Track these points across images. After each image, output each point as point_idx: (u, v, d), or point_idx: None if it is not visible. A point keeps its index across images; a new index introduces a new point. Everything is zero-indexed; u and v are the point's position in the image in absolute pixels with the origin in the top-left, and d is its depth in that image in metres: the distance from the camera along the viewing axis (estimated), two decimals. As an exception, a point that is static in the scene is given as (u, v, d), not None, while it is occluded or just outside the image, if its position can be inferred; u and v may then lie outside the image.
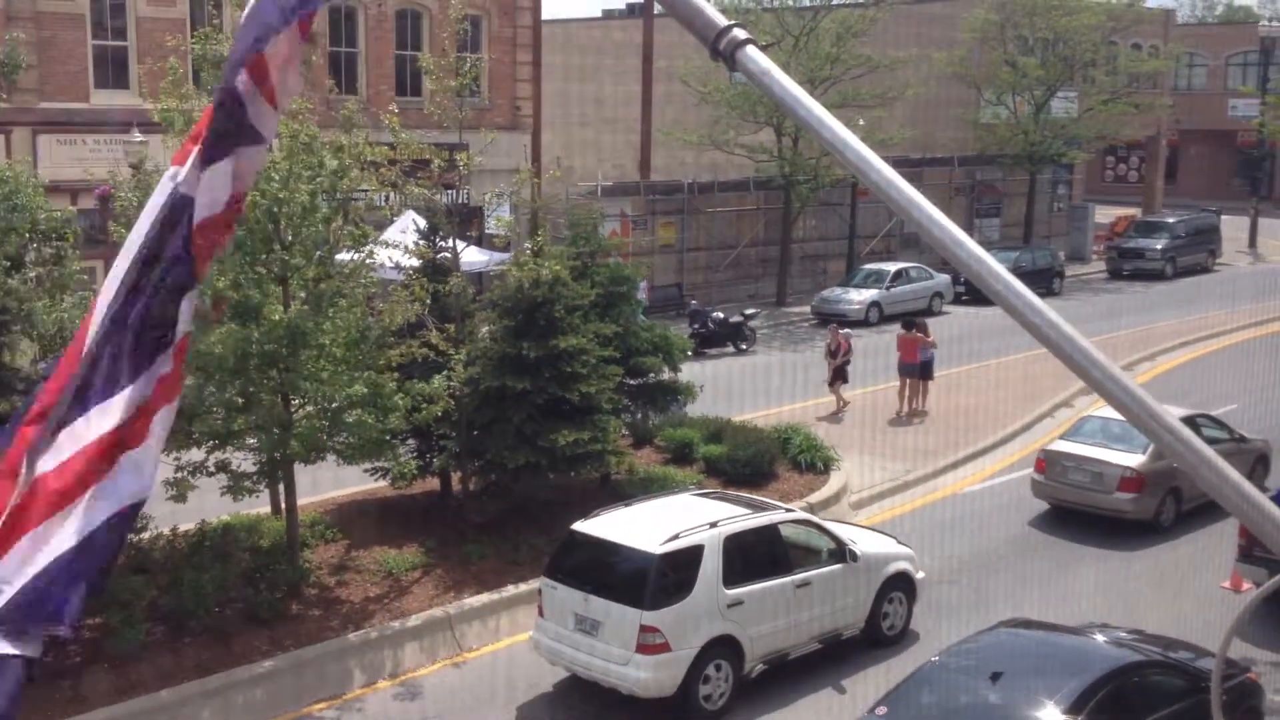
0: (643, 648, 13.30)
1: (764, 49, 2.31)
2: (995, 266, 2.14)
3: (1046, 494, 20.45)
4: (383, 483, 18.82)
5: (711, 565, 13.79)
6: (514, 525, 18.12)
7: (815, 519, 16.33)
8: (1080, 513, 19.81)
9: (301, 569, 16.45)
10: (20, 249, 16.29)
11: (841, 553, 15.18)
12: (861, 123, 37.70)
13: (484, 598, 16.54)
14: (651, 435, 22.34)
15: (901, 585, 15.84)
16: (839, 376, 26.06)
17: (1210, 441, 19.90)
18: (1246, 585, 16.47)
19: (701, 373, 25.29)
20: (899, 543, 16.54)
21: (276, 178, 15.06)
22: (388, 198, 17.69)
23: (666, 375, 21.75)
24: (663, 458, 21.73)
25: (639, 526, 14.26)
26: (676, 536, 13.79)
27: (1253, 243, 52.64)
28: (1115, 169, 70.05)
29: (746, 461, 20.42)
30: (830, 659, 15.08)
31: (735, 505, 15.30)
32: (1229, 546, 16.83)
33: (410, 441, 18.47)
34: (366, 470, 18.12)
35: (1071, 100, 48.47)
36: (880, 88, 39.26)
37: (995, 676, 11.71)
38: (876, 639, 15.56)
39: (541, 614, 14.44)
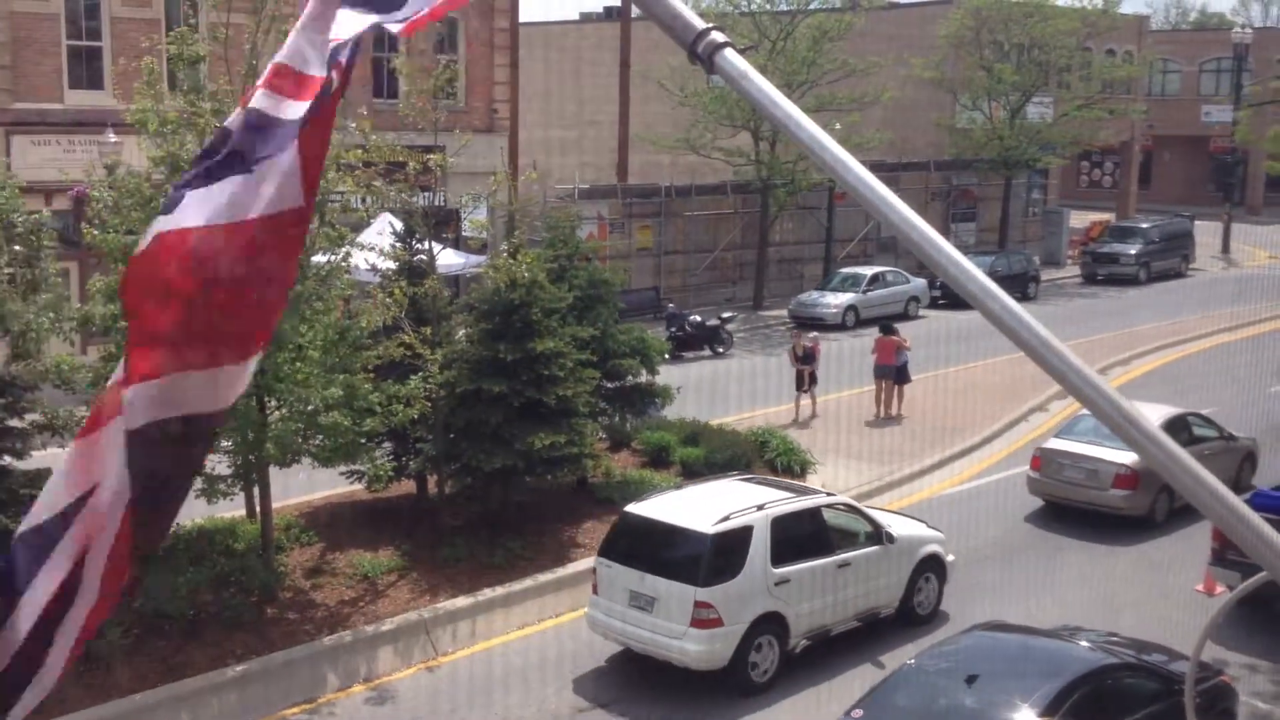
0: (697, 622, 14.07)
1: (742, 52, 2.31)
2: (972, 269, 2.14)
3: (1042, 491, 20.76)
4: (359, 486, 18.76)
5: (760, 545, 14.56)
6: (490, 528, 18.08)
7: (854, 503, 17.16)
8: (1072, 510, 20.13)
9: (276, 572, 16.37)
10: (-4, 247, 16.18)
11: (878, 535, 15.96)
12: (838, 126, 37.80)
13: (460, 601, 16.50)
14: (629, 438, 22.34)
15: (933, 567, 16.64)
16: (813, 381, 25.97)
17: (1200, 440, 20.67)
18: (1220, 589, 16.57)
19: (679, 376, 25.30)
20: (929, 526, 17.25)
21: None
22: (364, 200, 17.63)
23: (644, 378, 21.76)
24: (640, 461, 21.73)
25: (691, 509, 15.03)
26: (728, 518, 14.53)
27: (1226, 248, 53.01)
28: (1090, 174, 70.45)
29: (723, 464, 20.44)
30: (868, 636, 15.77)
31: (779, 489, 16.10)
32: (1203, 550, 16.94)
33: (386, 444, 18.42)
34: (342, 473, 18.05)
35: (1046, 106, 48.71)
36: (857, 92, 39.37)
37: (971, 679, 11.75)
38: (910, 618, 16.27)
39: (596, 592, 15.17)
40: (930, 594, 16.60)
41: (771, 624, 14.63)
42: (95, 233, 15.70)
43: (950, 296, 35.76)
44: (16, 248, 16.13)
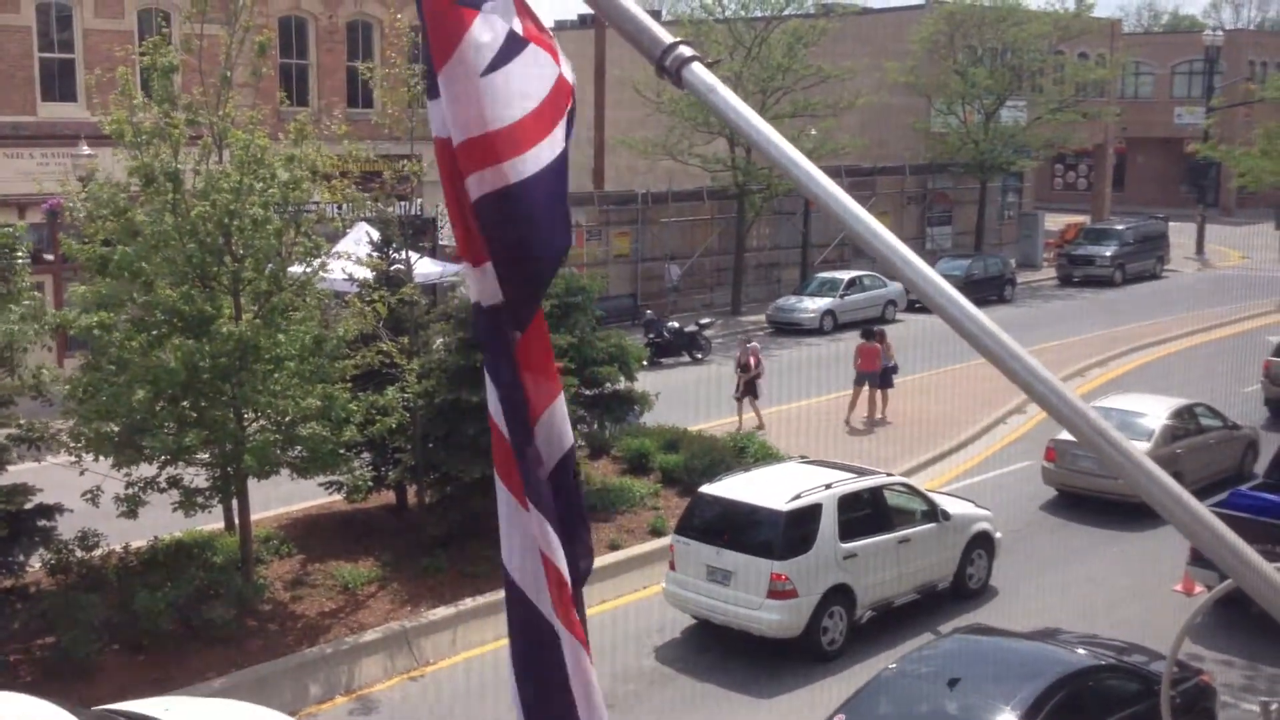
0: (773, 594, 15.09)
1: (709, 66, 2.33)
2: (936, 278, 2.16)
3: (1056, 481, 21.49)
4: (338, 496, 18.70)
5: (829, 521, 15.59)
6: (471, 538, 18.04)
7: (911, 483, 18.26)
8: (1065, 508, 20.73)
9: (256, 585, 16.30)
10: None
11: (934, 513, 17.00)
12: (814, 132, 37.91)
13: (441, 611, 16.47)
14: (608, 445, 22.32)
15: (983, 543, 17.68)
16: (750, 391, 25.65)
17: (1206, 429, 21.68)
18: (1198, 588, 16.66)
19: (657, 382, 25.30)
20: (977, 506, 18.24)
21: (228, 189, 14.95)
22: (340, 209, 17.59)
23: (622, 385, 21.75)
24: (619, 468, 21.73)
25: (762, 488, 16.08)
26: (799, 496, 15.57)
27: (1200, 249, 53.34)
28: (1064, 177, 70.84)
29: (703, 471, 20.45)
30: (926, 608, 16.76)
31: (841, 471, 16.91)
32: (1181, 549, 17.02)
33: (365, 455, 18.37)
34: (321, 484, 18.00)
35: (1020, 109, 48.96)
36: (832, 97, 39.49)
37: (952, 683, 11.78)
38: (962, 592, 17.33)
39: (673, 568, 16.12)
40: (981, 569, 17.66)
41: (840, 595, 15.61)
42: (73, 243, 15.64)
43: (927, 300, 35.84)
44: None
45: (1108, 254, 46.82)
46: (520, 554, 2.98)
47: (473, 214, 2.78)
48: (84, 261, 15.50)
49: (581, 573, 3.04)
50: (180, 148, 15.31)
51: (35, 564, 15.36)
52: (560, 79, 2.85)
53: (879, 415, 26.42)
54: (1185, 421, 21.70)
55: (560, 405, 3.02)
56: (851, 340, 27.88)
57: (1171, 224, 51.61)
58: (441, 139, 2.82)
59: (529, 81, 2.77)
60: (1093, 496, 20.42)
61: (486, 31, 2.71)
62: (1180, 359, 32.66)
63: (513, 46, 2.75)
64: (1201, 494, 19.40)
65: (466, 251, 2.86)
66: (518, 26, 2.78)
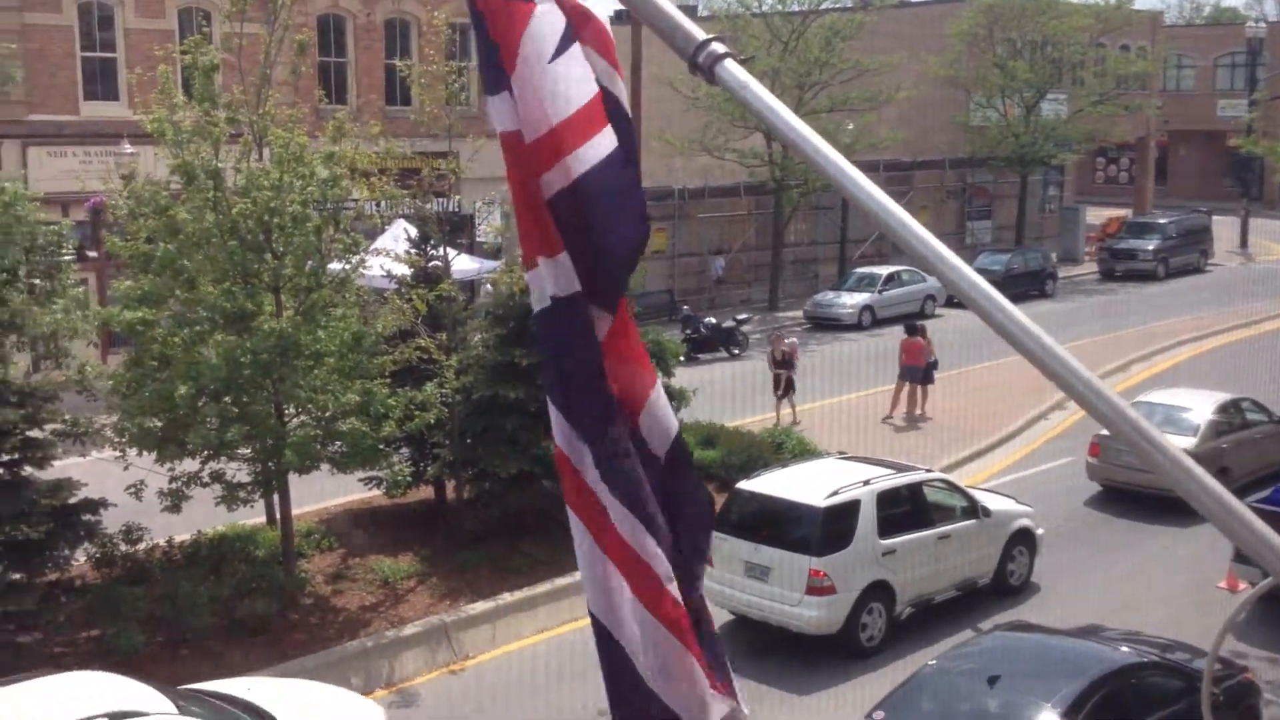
0: (812, 590, 15.04)
1: (743, 62, 2.33)
2: (973, 276, 2.15)
3: (1101, 476, 21.40)
4: (377, 491, 18.81)
5: (868, 518, 15.54)
6: (508, 533, 18.11)
7: (951, 479, 18.16)
8: (1131, 496, 20.41)
9: (297, 578, 16.43)
10: (15, 261, 16.30)
11: (974, 509, 16.92)
12: (850, 126, 37.75)
13: (480, 605, 16.54)
14: (645, 441, 22.30)
15: (1024, 540, 17.54)
16: (790, 388, 25.51)
17: (1252, 424, 21.59)
18: (1242, 585, 16.50)
19: (695, 378, 25.28)
20: (1019, 502, 18.10)
21: (268, 186, 15.06)
22: (378, 206, 17.69)
23: (660, 380, 21.73)
24: (657, 463, 21.70)
25: (800, 484, 16.02)
26: (836, 492, 15.54)
27: (1244, 243, 52.74)
28: (1106, 170, 70.20)
29: (740, 466, 20.41)
30: (966, 605, 16.65)
31: (879, 466, 16.84)
32: (1225, 545, 16.86)
33: (404, 450, 18.46)
34: (361, 479, 18.11)
35: (1061, 102, 48.55)
36: (870, 91, 39.29)
37: (992, 680, 11.72)
38: (1003, 588, 17.20)
39: (710, 564, 15.11)
40: (1022, 565, 17.55)
41: (879, 592, 15.59)
42: (116, 241, 15.82)
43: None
44: (37, 259, 16.26)
45: (1150, 248, 46.35)
46: (599, 589, 2.98)
47: (546, 208, 2.79)
48: (127, 259, 15.66)
49: (696, 556, 3.09)
50: (221, 146, 15.44)
51: (80, 558, 15.54)
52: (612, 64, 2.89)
53: (919, 411, 26.28)
54: (1231, 416, 21.51)
55: (660, 393, 3.02)
56: (889, 335, 27.75)
57: (1215, 218, 51.04)
58: (508, 133, 2.83)
59: (585, 69, 2.79)
60: (1137, 492, 20.24)
61: (546, 24, 2.74)
62: (1224, 354, 32.31)
63: (568, 35, 2.78)
64: (1248, 489, 19.23)
65: (538, 246, 2.85)
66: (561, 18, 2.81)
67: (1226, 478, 20.35)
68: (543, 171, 2.77)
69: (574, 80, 2.76)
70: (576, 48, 2.79)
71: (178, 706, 10.85)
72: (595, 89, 2.78)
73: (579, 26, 2.80)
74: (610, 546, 2.92)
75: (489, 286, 21.38)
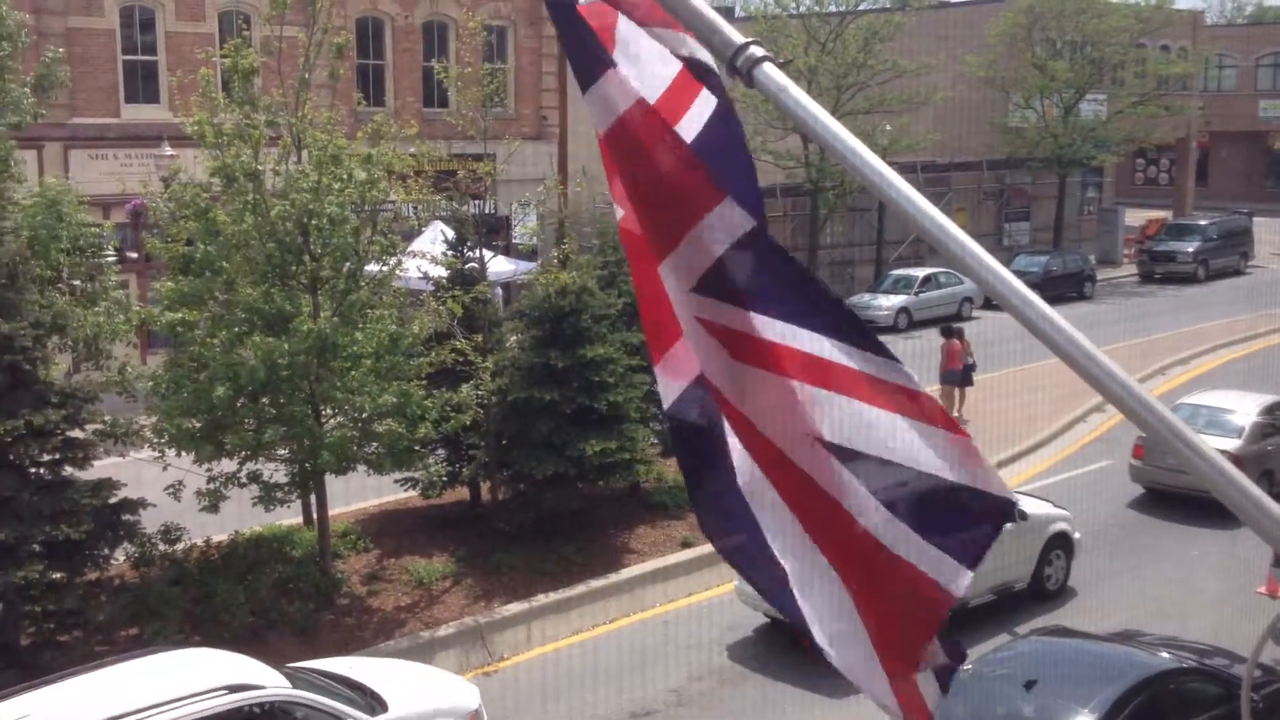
0: None
1: (781, 66, 2.33)
2: (1011, 279, 2.14)
3: (1144, 479, 21.31)
4: (413, 493, 18.90)
5: None
6: (543, 535, 18.15)
7: None
8: (1175, 498, 20.19)
9: (334, 578, 16.53)
10: (58, 263, 16.50)
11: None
12: (888, 128, 37.59)
13: (515, 606, 16.58)
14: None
15: (1061, 544, 17.44)
16: None
17: None
18: (1282, 590, 16.30)
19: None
20: (1055, 505, 17.97)
21: (306, 188, 15.17)
22: (415, 208, 17.79)
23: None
24: (692, 465, 21.69)
25: None
26: None
27: (1286, 244, 52.19)
28: (1145, 171, 69.61)
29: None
30: (1003, 609, 16.55)
31: None
32: (1266, 550, 16.68)
33: (440, 451, 18.53)
34: (397, 480, 18.20)
35: (1100, 103, 48.17)
36: (908, 92, 39.13)
37: (1029, 685, 11.65)
38: (1040, 593, 17.11)
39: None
40: (1059, 570, 17.44)
41: None
42: (156, 242, 15.97)
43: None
44: (79, 261, 16.45)
45: (1190, 250, 45.92)
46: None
47: (690, 163, 2.83)
48: (167, 260, 15.81)
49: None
50: (260, 148, 15.55)
51: (119, 557, 15.68)
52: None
53: (956, 414, 26.13)
54: (1277, 419, 21.30)
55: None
56: (926, 338, 27.58)
57: (1256, 219, 50.50)
58: (608, 129, 2.87)
59: (656, 47, 2.85)
60: (1181, 494, 20.04)
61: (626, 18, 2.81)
62: (1266, 356, 31.97)
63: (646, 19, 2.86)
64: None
65: (663, 229, 2.90)
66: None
67: (1271, 481, 20.23)
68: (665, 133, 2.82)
69: (658, 56, 2.82)
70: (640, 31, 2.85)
71: (290, 681, 11.31)
72: (679, 64, 2.84)
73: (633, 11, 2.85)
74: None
75: (526, 288, 21.43)
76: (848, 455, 2.87)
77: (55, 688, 10.85)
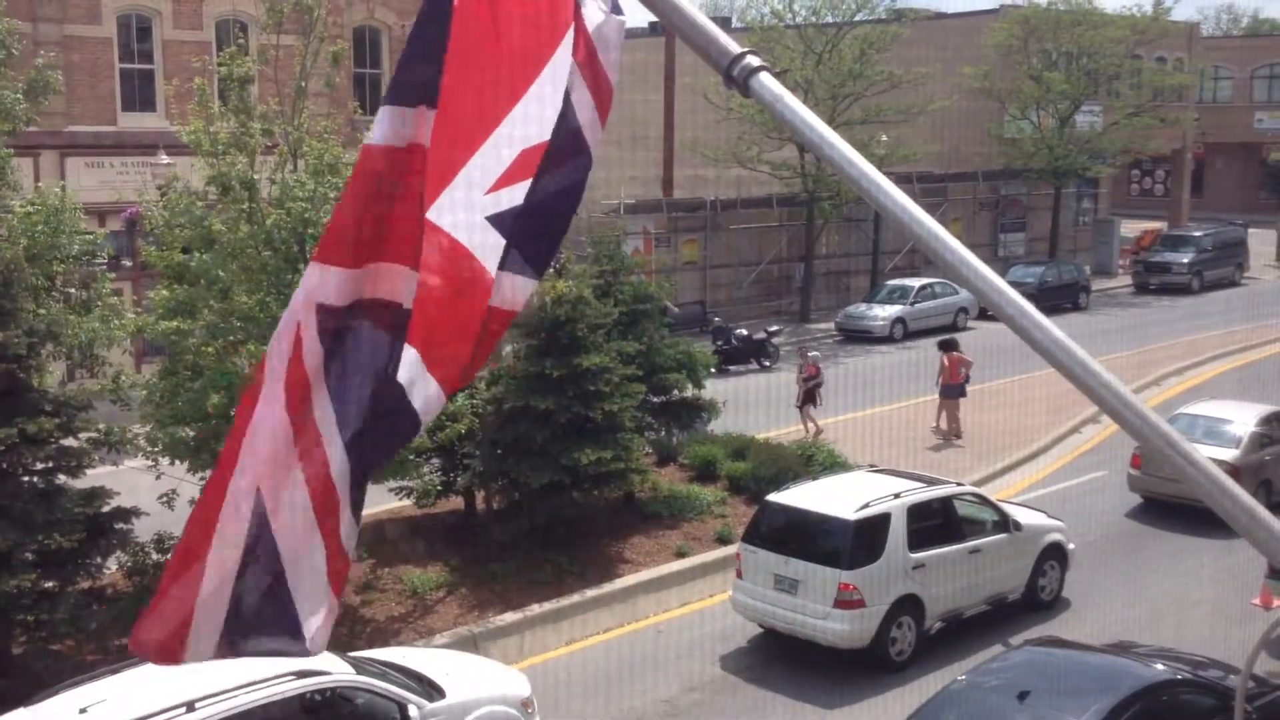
0: (841, 604, 15.02)
1: (778, 76, 2.33)
2: (1006, 289, 2.14)
3: (1142, 488, 21.24)
4: (407, 502, 18.87)
5: (898, 531, 15.48)
6: (538, 544, 18.13)
7: (982, 493, 18.01)
8: (1172, 509, 20.16)
9: (327, 588, 16.46)
10: (53, 271, 16.46)
11: (1006, 523, 16.85)
12: (884, 138, 37.65)
13: (509, 616, 16.55)
14: (675, 453, 22.32)
15: (1055, 554, 17.45)
16: (809, 400, 25.34)
17: None
18: (1277, 602, 16.31)
19: (725, 390, 25.26)
20: (1049, 516, 18.04)
21: (302, 197, 15.16)
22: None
23: (690, 392, 21.73)
24: (686, 475, 21.71)
25: (830, 497, 16.01)
26: (867, 505, 15.49)
27: (1280, 256, 52.32)
28: (1141, 183, 69.75)
29: (770, 479, 20.38)
30: (996, 620, 16.58)
31: (910, 480, 16.79)
32: (1260, 561, 16.69)
33: (435, 460, 18.51)
34: (391, 489, 18.17)
35: (1096, 114, 48.29)
36: (904, 103, 39.21)
37: (1022, 695, 11.63)
38: (1034, 603, 17.10)
39: (740, 576, 16.05)
40: (1053, 580, 17.44)
41: (909, 606, 15.52)
42: (152, 250, 15.96)
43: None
44: (73, 269, 16.42)
45: (1185, 261, 46.02)
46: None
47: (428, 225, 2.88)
48: (162, 269, 15.78)
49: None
50: (256, 157, 15.55)
51: (112, 566, 15.64)
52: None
53: (955, 426, 26.10)
54: (1274, 429, 21.33)
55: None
56: (921, 348, 27.58)
57: (1251, 231, 50.62)
58: (401, 147, 2.94)
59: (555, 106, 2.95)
60: (1179, 504, 20.04)
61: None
62: (1261, 368, 32.01)
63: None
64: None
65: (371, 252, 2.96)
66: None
67: (1269, 491, 20.24)
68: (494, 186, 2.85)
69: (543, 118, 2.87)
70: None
71: (355, 668, 11.86)
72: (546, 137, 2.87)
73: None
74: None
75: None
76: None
77: (129, 674, 11.23)
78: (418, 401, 2.81)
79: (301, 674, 11.15)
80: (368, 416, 2.95)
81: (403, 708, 11.70)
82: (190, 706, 10.51)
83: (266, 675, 10.97)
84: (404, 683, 12.15)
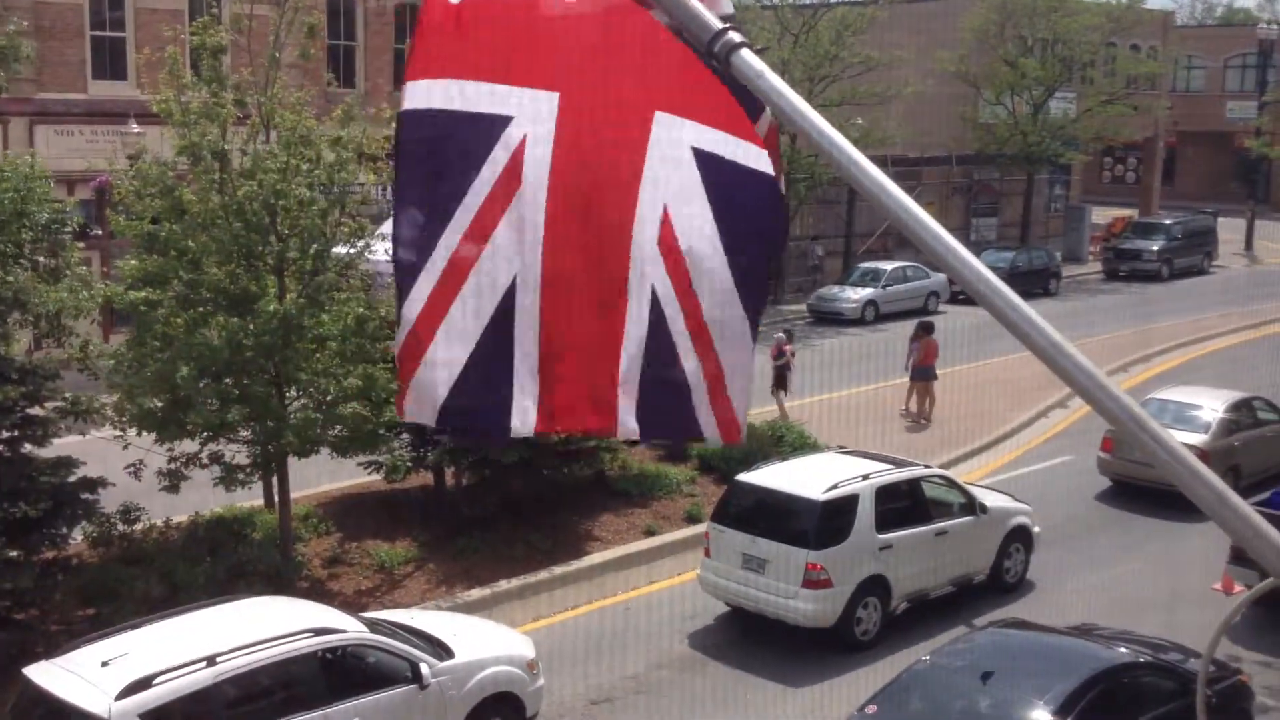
0: (808, 583, 15.08)
1: (759, 52, 2.33)
2: (982, 269, 2.15)
3: (1112, 471, 21.38)
4: (376, 476, 18.82)
5: (866, 512, 15.59)
6: (507, 520, 18.12)
7: (950, 475, 18.08)
8: (1140, 492, 20.30)
9: (294, 562, 16.44)
10: (21, 239, 16.28)
11: (972, 506, 16.97)
12: (859, 121, 37.65)
13: (476, 592, 16.55)
14: (646, 432, 22.29)
15: (1021, 537, 17.61)
16: (779, 384, 25.23)
17: (1263, 422, 21.63)
18: (1238, 587, 16.48)
19: (697, 369, 25.16)
20: (1015, 499, 18.19)
21: (274, 169, 15.05)
22: (385, 190, 17.69)
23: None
24: (656, 454, 21.74)
25: (800, 477, 16.10)
26: (836, 486, 15.58)
27: (1249, 245, 52.68)
28: (1113, 170, 70.07)
29: (740, 459, 20.41)
30: (961, 601, 16.69)
31: (878, 461, 16.82)
32: (1221, 547, 16.86)
33: (405, 435, 18.46)
34: (360, 464, 18.11)
35: (1070, 101, 48.45)
36: (880, 86, 39.22)
37: (985, 677, 11.73)
38: (999, 585, 17.27)
39: (709, 555, 16.15)
40: (1019, 563, 17.61)
41: (876, 586, 15.62)
42: (121, 220, 15.81)
43: (970, 292, 35.57)
44: (41, 237, 16.24)
45: (1155, 248, 46.31)
46: None
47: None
48: (131, 238, 15.65)
49: None
50: (228, 127, 15.42)
51: (77, 536, 15.55)
52: None
53: (926, 409, 26.22)
54: (1242, 415, 21.53)
55: None
56: (892, 331, 27.63)
57: (1221, 219, 50.96)
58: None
59: None
60: (1149, 487, 20.20)
61: None
62: (1227, 355, 32.27)
63: None
64: (1257, 488, 19.26)
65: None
66: None
67: (1237, 476, 20.43)
68: None
69: None
70: None
71: (369, 628, 12.24)
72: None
73: None
74: None
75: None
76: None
77: (152, 628, 11.57)
78: None
79: (318, 631, 11.55)
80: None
81: (414, 666, 12.04)
82: (211, 661, 10.72)
83: (286, 632, 11.35)
84: (415, 643, 12.50)
